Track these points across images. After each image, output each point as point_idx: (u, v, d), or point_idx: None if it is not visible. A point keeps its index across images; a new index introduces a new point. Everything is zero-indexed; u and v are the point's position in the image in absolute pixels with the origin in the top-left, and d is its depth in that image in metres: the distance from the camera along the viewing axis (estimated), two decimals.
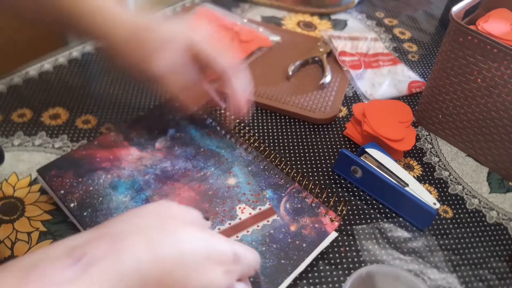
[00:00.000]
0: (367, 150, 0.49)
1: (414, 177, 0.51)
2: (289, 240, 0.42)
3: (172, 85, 0.45)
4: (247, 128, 0.55)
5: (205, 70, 0.48)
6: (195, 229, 0.31)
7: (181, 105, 0.48)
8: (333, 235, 0.43)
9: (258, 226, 0.43)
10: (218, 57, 0.46)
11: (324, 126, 0.57)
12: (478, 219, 0.49)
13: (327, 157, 0.53)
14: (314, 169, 0.51)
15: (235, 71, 0.47)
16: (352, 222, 0.46)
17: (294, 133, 0.56)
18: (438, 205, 0.45)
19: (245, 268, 0.33)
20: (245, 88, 0.48)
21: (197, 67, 0.47)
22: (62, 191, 0.43)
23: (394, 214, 0.48)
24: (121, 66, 0.45)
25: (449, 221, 0.48)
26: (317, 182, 0.50)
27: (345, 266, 0.43)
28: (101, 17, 0.43)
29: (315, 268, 0.42)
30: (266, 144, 0.54)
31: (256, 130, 0.55)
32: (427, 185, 0.52)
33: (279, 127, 0.56)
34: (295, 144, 0.54)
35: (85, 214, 0.42)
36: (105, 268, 0.25)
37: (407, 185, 0.47)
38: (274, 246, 0.41)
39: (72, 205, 0.42)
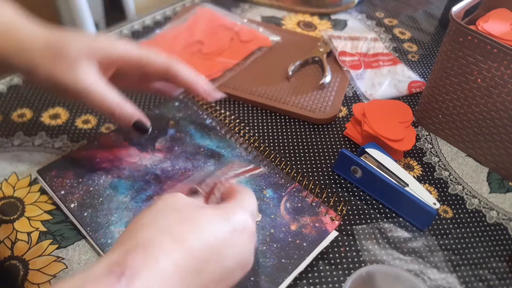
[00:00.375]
0: (367, 150, 0.49)
1: (414, 177, 0.51)
2: (290, 239, 0.42)
3: (98, 100, 0.39)
4: (247, 128, 0.55)
5: (144, 80, 0.44)
6: (210, 210, 0.32)
7: (118, 121, 0.40)
8: (334, 234, 0.43)
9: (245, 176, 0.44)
10: (153, 56, 0.41)
11: (324, 126, 0.57)
12: (478, 219, 0.49)
13: (327, 157, 0.53)
14: (314, 169, 0.51)
15: (176, 61, 0.43)
16: (352, 222, 0.46)
17: (294, 133, 0.56)
18: (438, 205, 0.45)
19: (255, 218, 0.35)
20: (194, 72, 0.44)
21: (126, 80, 0.43)
22: (63, 192, 0.43)
23: (394, 214, 0.48)
24: (40, 86, 0.40)
25: (449, 221, 0.48)
26: (317, 182, 0.50)
27: (345, 266, 0.43)
28: (14, 28, 0.38)
29: (315, 268, 0.42)
30: (266, 144, 0.54)
31: (256, 130, 0.55)
32: (427, 185, 0.52)
33: (279, 127, 0.56)
34: (295, 144, 0.54)
35: (85, 214, 0.42)
36: (147, 277, 0.26)
37: (407, 185, 0.47)
38: (275, 245, 0.41)
39: (72, 205, 0.42)
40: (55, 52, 0.37)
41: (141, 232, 0.29)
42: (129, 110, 0.40)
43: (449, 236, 0.47)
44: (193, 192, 0.38)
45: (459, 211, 0.49)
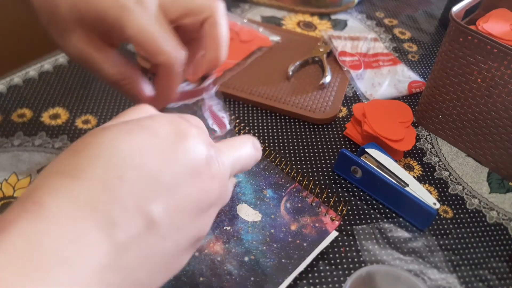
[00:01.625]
0: (367, 150, 0.49)
1: (414, 177, 0.51)
2: (290, 239, 0.42)
3: (106, 68, 0.34)
4: (247, 128, 0.55)
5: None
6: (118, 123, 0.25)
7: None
8: (334, 234, 0.43)
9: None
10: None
11: (324, 126, 0.57)
12: (478, 219, 0.49)
13: (327, 157, 0.53)
14: (314, 169, 0.51)
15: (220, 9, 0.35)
16: (352, 222, 0.46)
17: (294, 133, 0.56)
18: (438, 205, 0.45)
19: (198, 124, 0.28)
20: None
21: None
22: None
23: (394, 214, 0.48)
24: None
25: (449, 221, 0.48)
26: (317, 182, 0.50)
27: (345, 266, 0.43)
28: None
29: (315, 268, 0.42)
30: (266, 144, 0.54)
31: (256, 130, 0.55)
32: (427, 185, 0.52)
33: (279, 127, 0.56)
34: (295, 144, 0.54)
35: None
36: (28, 227, 0.20)
37: (407, 185, 0.47)
38: (275, 245, 0.41)
39: None
40: (49, 11, 0.32)
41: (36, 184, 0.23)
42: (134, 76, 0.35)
43: (449, 236, 0.47)
44: None
45: (459, 211, 0.49)
